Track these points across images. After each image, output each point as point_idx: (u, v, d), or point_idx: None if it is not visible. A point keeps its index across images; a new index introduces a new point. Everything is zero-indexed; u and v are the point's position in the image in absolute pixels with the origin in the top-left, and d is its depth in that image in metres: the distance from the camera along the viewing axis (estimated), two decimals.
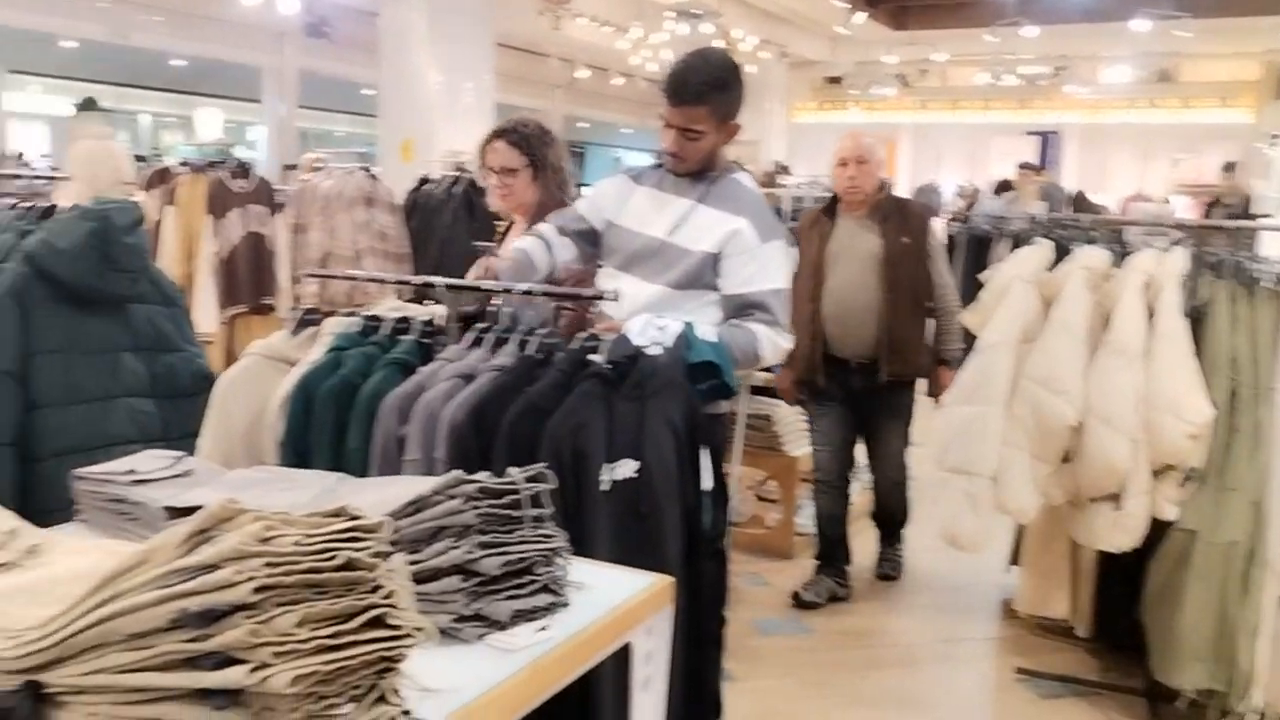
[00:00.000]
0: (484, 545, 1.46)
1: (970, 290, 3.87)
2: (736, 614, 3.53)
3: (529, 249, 2.70)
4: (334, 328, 2.28)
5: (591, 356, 2.11)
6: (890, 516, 4.39)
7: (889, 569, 4.40)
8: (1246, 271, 2.98)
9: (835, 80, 19.01)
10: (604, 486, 2.00)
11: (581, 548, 1.91)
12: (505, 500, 1.50)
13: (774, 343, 2.57)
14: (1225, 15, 12.69)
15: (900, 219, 3.94)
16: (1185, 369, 2.85)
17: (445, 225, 7.15)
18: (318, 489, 1.73)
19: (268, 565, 1.04)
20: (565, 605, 1.55)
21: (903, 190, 15.87)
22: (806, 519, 4.71)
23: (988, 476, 3.09)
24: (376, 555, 1.18)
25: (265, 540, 1.06)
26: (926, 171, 17.51)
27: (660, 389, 2.17)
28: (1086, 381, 2.97)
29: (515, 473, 1.55)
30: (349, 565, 1.13)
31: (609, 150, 24.72)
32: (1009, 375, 3.07)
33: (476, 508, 1.46)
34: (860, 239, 3.91)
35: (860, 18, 12.80)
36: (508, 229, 3.28)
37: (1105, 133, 17.29)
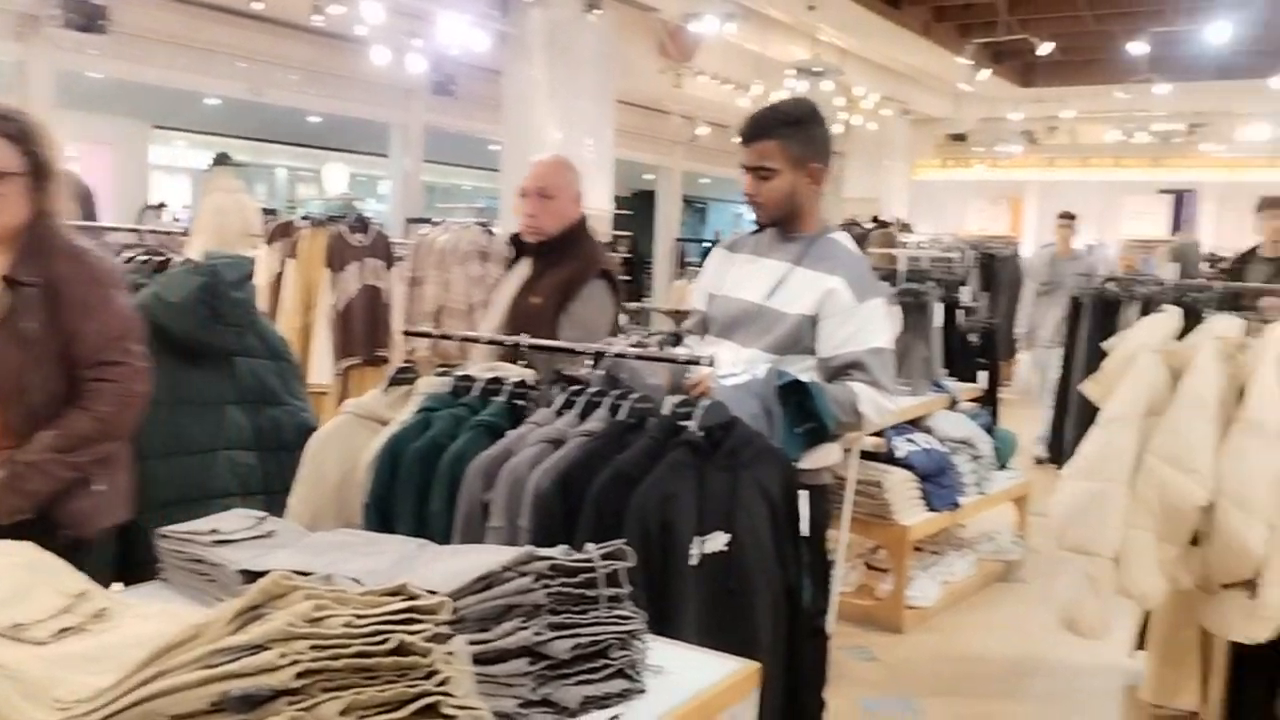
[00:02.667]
0: (555, 626, 1.40)
1: (1095, 358, 3.67)
2: (840, 691, 3.39)
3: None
4: (426, 387, 2.27)
5: (684, 423, 2.05)
6: None
7: None
8: None
9: (959, 137, 18.69)
10: (693, 560, 1.93)
11: (668, 625, 1.84)
12: (580, 579, 1.44)
13: (876, 402, 2.48)
14: None
15: (555, 273, 3.11)
16: None
17: None
18: (396, 555, 1.70)
19: (314, 648, 1.00)
20: (641, 691, 1.47)
21: (1028, 249, 15.41)
22: (918, 591, 4.53)
23: (1109, 557, 2.89)
24: (433, 638, 1.13)
25: (314, 621, 1.03)
26: (1054, 230, 17.01)
27: (755, 458, 2.09)
28: (1218, 460, 2.76)
29: (592, 549, 1.49)
30: (402, 649, 1.08)
31: (730, 206, 24.78)
32: (1134, 451, 2.88)
33: (548, 586, 1.40)
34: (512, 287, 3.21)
35: (985, 74, 12.55)
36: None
37: (1243, 191, 16.50)
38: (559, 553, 1.48)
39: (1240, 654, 3.03)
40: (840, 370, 2.47)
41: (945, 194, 18.35)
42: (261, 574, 1.60)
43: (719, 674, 1.59)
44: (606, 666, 1.44)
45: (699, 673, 1.58)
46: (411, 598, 1.14)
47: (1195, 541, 2.86)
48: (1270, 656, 2.85)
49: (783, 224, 2.60)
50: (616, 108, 10.30)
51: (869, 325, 2.49)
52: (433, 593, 1.44)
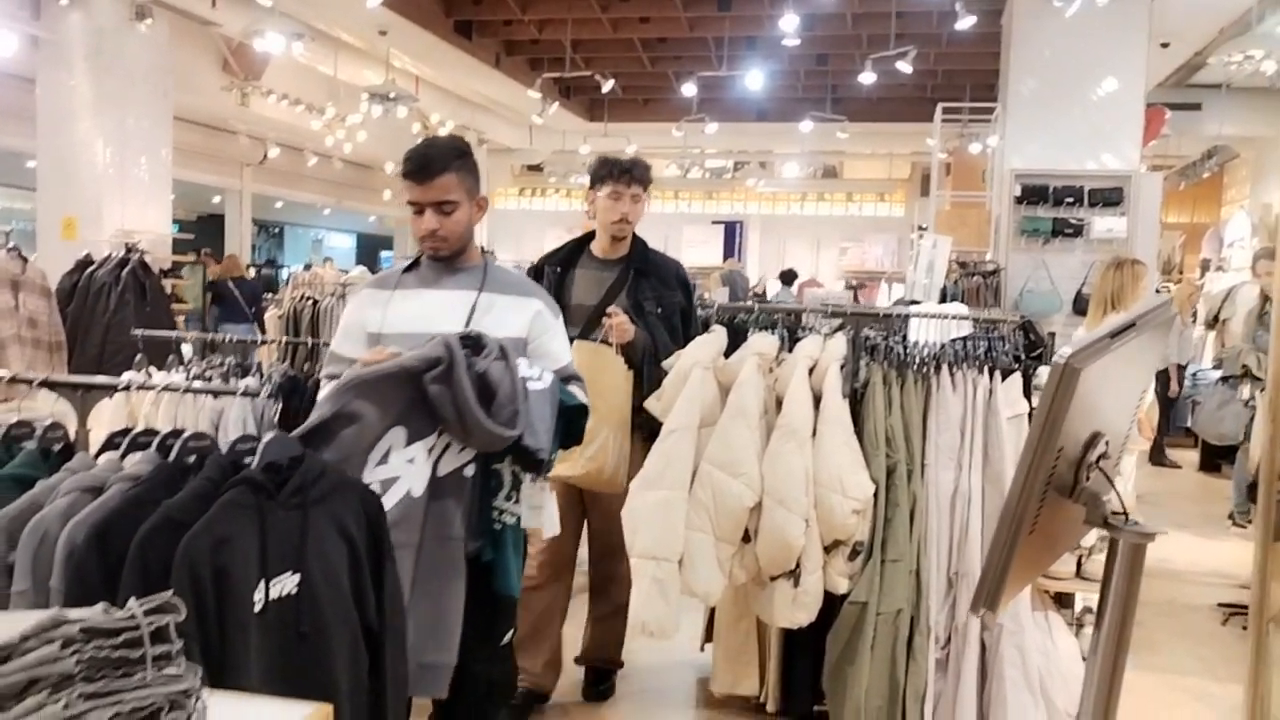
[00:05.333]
0: (89, 696, 1.25)
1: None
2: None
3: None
4: None
5: (246, 460, 1.93)
6: None
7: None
8: (898, 355, 3.20)
9: (535, 168, 19.39)
10: (257, 607, 1.81)
11: (231, 679, 1.71)
12: (121, 639, 1.30)
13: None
14: (876, 120, 14.11)
15: None
16: (848, 448, 3.01)
17: (110, 310, 6.60)
18: None
19: None
20: None
21: None
22: None
23: (675, 561, 3.11)
24: None
25: None
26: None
27: (329, 493, 2.01)
28: (762, 464, 3.06)
29: (135, 605, 1.35)
30: None
31: (308, 230, 23.91)
32: (691, 460, 3.12)
33: (79, 652, 1.25)
34: None
35: (554, 108, 13.14)
36: None
37: (782, 223, 18.65)
38: (94, 613, 1.33)
39: (790, 639, 3.37)
40: (565, 381, 2.57)
41: (523, 222, 18.97)
42: None
43: None
44: None
45: None
46: None
47: (747, 539, 3.15)
48: (814, 639, 3.19)
49: (451, 257, 2.60)
50: (175, 125, 9.61)
51: (565, 339, 2.70)
52: None
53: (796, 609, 3.08)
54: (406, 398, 2.24)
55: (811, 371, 3.16)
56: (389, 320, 2.54)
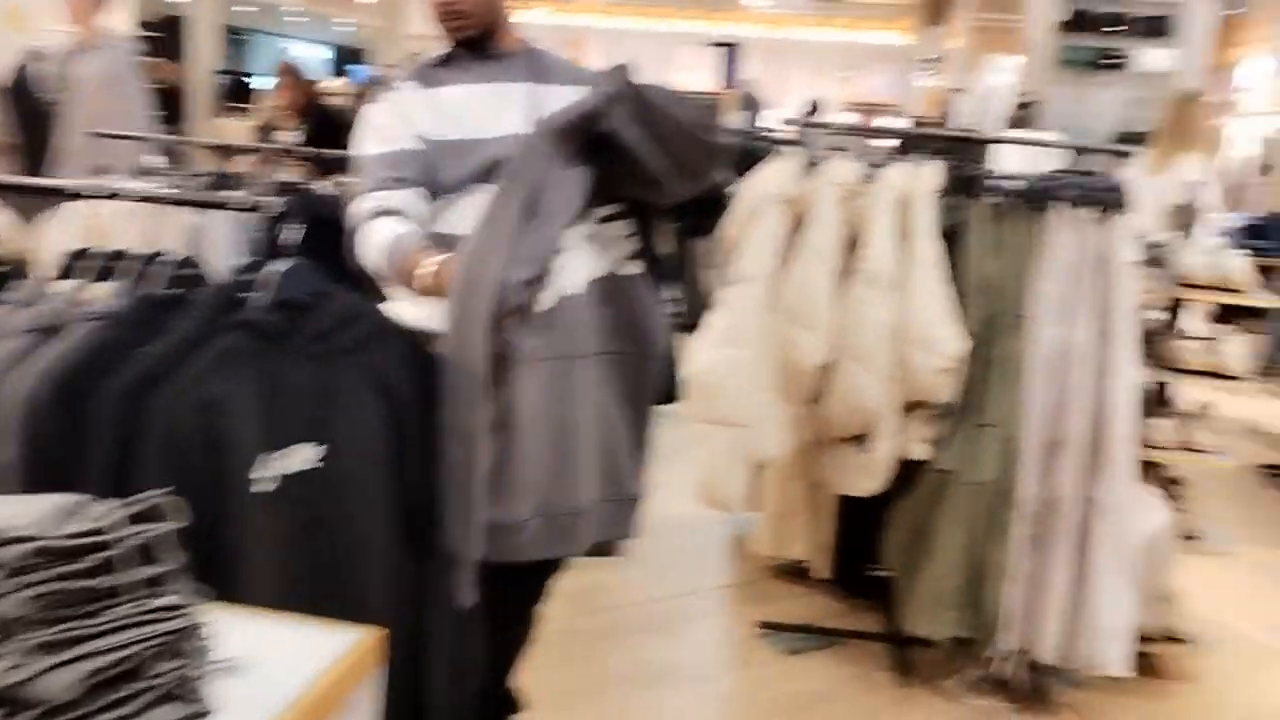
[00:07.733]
0: (48, 646, 0.84)
1: None
2: None
3: (407, 231, 1.90)
4: None
5: (248, 295, 1.48)
6: None
7: None
8: (1000, 189, 2.75)
9: None
10: (264, 486, 1.39)
11: (229, 582, 1.29)
12: (88, 563, 0.89)
13: None
14: None
15: None
16: (939, 298, 2.59)
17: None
18: None
19: None
20: (204, 715, 0.96)
21: None
22: None
23: (748, 426, 2.72)
24: None
25: None
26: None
27: (365, 341, 1.56)
28: (836, 314, 2.64)
29: (117, 510, 0.93)
30: None
31: (274, 40, 22.61)
32: (762, 313, 2.69)
33: (32, 584, 0.84)
34: None
35: None
36: None
37: (782, 48, 17.68)
38: (50, 517, 0.91)
39: (846, 504, 3.04)
40: None
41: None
42: None
43: (328, 655, 1.11)
44: (148, 690, 0.92)
45: (297, 658, 1.09)
46: None
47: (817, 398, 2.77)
48: (872, 505, 2.85)
49: (482, 40, 2.07)
50: None
51: None
52: None
53: (865, 476, 2.72)
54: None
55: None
56: (442, 123, 2.02)
